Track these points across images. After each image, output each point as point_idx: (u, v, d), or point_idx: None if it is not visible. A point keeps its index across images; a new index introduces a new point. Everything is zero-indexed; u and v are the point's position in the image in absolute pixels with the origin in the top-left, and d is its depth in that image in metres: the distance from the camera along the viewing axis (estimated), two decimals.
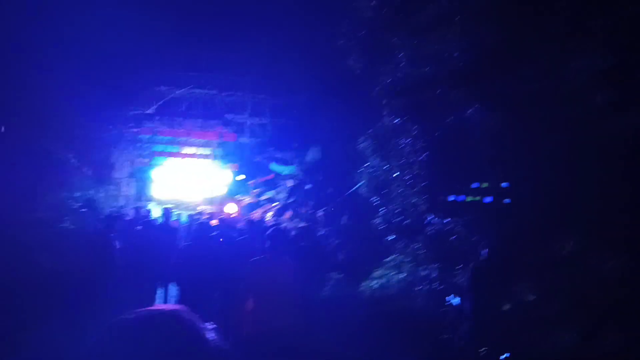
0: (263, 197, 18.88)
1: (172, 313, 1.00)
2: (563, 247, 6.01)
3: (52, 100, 12.14)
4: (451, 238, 7.63)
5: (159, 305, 1.10)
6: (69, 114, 13.80)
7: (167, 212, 10.18)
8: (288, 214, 16.27)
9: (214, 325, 1.04)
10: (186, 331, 0.96)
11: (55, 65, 11.51)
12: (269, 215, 16.67)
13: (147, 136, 22.47)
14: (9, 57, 10.14)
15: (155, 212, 12.65)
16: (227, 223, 12.09)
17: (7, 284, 6.71)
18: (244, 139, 24.22)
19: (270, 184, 19.23)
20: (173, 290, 6.99)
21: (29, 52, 10.63)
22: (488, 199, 6.60)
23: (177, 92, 24.13)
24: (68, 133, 14.16)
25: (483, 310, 5.41)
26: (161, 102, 23.70)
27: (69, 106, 13.47)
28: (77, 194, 12.20)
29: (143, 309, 1.00)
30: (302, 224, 13.57)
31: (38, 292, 7.06)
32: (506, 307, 5.83)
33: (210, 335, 0.98)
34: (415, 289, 7.87)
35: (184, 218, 14.89)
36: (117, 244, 6.99)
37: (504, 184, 6.40)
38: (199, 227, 6.31)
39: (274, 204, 17.91)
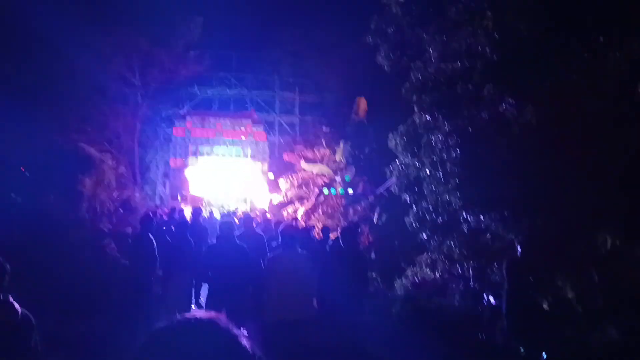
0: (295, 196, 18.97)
1: (209, 321, 1.03)
2: (604, 241, 5.85)
3: (90, 103, 12.52)
4: (486, 235, 7.52)
5: (196, 311, 1.14)
6: (106, 117, 14.21)
7: (197, 211, 10.36)
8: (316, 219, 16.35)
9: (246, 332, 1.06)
10: (223, 338, 1.00)
11: (93, 70, 11.87)
12: (299, 213, 16.77)
13: (180, 136, 22.94)
14: (49, 62, 10.49)
15: (188, 211, 12.88)
16: (255, 221, 12.26)
17: (51, 282, 6.97)
18: (274, 137, 24.45)
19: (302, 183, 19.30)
20: (205, 287, 7.18)
21: (68, 58, 10.98)
22: (523, 194, 6.47)
23: (208, 91, 24.58)
24: (105, 135, 14.58)
25: (522, 308, 5.31)
26: (194, 102, 24.18)
27: (106, 109, 13.86)
28: (115, 195, 12.55)
29: (180, 316, 1.04)
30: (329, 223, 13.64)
31: (80, 290, 7.30)
32: (546, 304, 5.72)
33: (246, 342, 1.01)
34: (451, 287, 7.79)
35: (216, 216, 15.11)
36: (153, 243, 7.14)
37: (539, 179, 6.26)
38: (228, 225, 6.46)
39: (305, 202, 17.98)
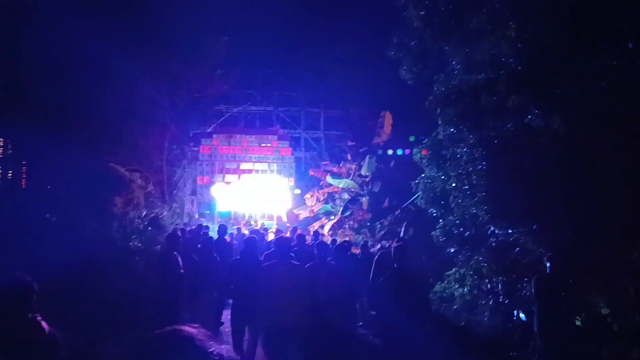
0: (320, 211, 18.97)
1: (186, 334, 1.17)
2: (638, 255, 5.63)
3: (120, 125, 12.85)
4: (515, 249, 7.34)
5: (181, 326, 1.24)
6: (135, 137, 14.55)
7: (223, 228, 10.48)
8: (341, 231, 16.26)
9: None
10: (195, 349, 1.14)
11: (123, 93, 12.20)
12: (326, 229, 16.73)
13: (207, 153, 23.31)
14: (81, 86, 10.83)
15: (215, 228, 13.02)
16: (283, 236, 12.29)
17: (80, 301, 7.10)
18: (300, 153, 24.61)
19: (327, 197, 19.30)
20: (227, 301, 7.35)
21: (99, 81, 11.32)
22: (553, 207, 6.29)
23: (235, 109, 24.97)
24: (134, 155, 14.93)
25: (554, 325, 5.14)
26: (220, 120, 24.58)
27: (136, 130, 14.21)
28: (144, 213, 12.78)
29: (160, 330, 1.18)
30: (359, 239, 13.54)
31: (109, 309, 7.42)
32: (579, 321, 5.52)
33: (219, 353, 1.15)
34: (480, 302, 7.61)
35: (243, 232, 15.20)
36: (180, 261, 7.22)
37: (569, 190, 6.09)
38: (252, 241, 6.66)
39: (331, 217, 17.95)
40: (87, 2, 9.42)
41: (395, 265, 5.06)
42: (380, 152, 16.86)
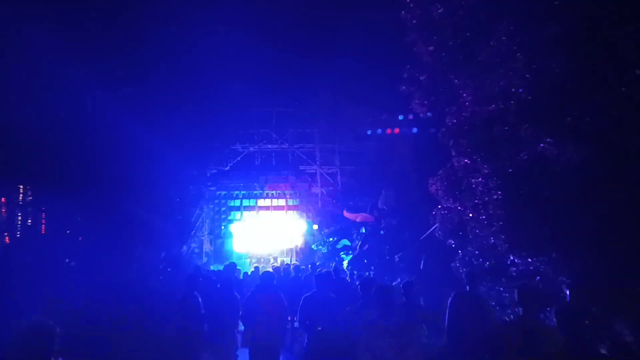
0: (338, 245, 18.92)
1: None
2: None
3: (137, 165, 13.12)
4: (536, 278, 7.23)
5: None
6: (152, 178, 14.80)
7: (232, 267, 10.60)
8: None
9: None
10: None
11: (137, 133, 12.50)
12: (345, 263, 16.65)
13: (225, 192, 23.60)
14: (95, 130, 11.12)
15: (234, 267, 13.06)
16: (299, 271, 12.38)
17: (101, 344, 7.14)
18: (316, 189, 24.76)
19: (345, 232, 19.27)
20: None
21: (113, 123, 11.63)
22: (572, 234, 6.23)
23: (250, 148, 25.39)
24: (152, 195, 15.14)
25: (579, 354, 5.01)
26: (236, 159, 24.97)
27: (152, 170, 14.47)
28: (163, 254, 12.88)
29: None
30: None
31: (131, 350, 7.44)
32: (604, 349, 5.38)
33: None
34: None
35: (262, 269, 15.20)
36: (200, 301, 7.26)
37: (586, 217, 6.04)
38: (268, 275, 7.13)
39: (349, 252, 17.88)
40: (93, 49, 9.75)
41: (405, 300, 5.05)
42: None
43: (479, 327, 5.61)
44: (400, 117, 16.09)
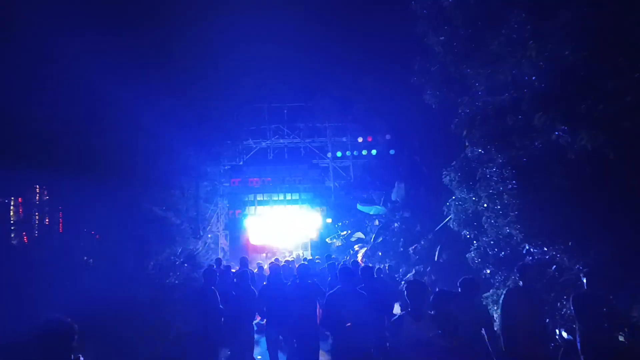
0: (352, 238, 18.96)
1: None
2: None
3: (153, 162, 13.24)
4: (552, 267, 7.21)
5: None
6: (168, 175, 14.95)
7: (244, 261, 10.75)
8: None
9: None
10: None
11: (156, 130, 12.61)
12: (359, 255, 16.69)
13: (239, 187, 23.78)
14: (111, 128, 11.25)
15: (247, 262, 13.19)
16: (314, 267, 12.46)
17: (121, 341, 7.26)
18: (329, 182, 24.82)
19: (359, 225, 19.31)
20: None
21: (129, 123, 11.75)
22: (587, 222, 6.20)
23: (263, 143, 25.51)
24: (167, 192, 15.29)
25: (597, 341, 5.01)
26: (249, 155, 25.12)
27: (168, 167, 14.61)
28: (179, 250, 13.02)
29: None
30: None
31: (150, 346, 7.57)
32: (622, 336, 5.37)
33: None
34: None
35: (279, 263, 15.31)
36: (218, 296, 7.35)
37: (601, 204, 6.00)
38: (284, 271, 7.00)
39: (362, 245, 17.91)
40: (110, 47, 9.82)
41: (408, 301, 4.41)
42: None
43: (536, 327, 5.20)
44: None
